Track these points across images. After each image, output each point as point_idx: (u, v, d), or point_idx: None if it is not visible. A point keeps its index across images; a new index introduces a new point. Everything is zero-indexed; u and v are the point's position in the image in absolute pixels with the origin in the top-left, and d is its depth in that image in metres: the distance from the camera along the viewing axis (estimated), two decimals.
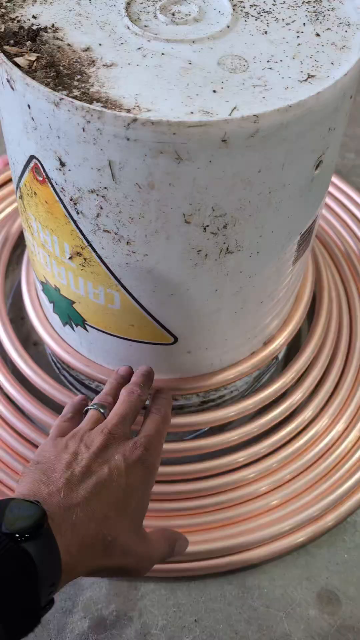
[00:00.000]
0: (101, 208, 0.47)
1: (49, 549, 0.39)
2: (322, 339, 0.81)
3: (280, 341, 0.73)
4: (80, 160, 0.44)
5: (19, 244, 0.91)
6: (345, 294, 0.88)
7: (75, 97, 0.42)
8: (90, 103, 0.41)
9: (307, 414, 0.77)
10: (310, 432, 0.76)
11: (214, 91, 0.43)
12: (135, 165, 0.42)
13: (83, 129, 0.41)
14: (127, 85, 0.43)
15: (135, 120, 0.39)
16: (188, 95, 0.43)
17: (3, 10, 0.49)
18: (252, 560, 0.67)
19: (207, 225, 0.47)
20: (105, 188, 0.45)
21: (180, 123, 0.39)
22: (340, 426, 0.77)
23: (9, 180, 0.99)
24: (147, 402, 0.59)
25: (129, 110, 0.41)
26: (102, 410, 0.54)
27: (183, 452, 0.71)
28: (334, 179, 1.02)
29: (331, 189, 1.01)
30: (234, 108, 0.42)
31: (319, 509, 0.70)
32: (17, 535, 0.38)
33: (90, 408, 0.54)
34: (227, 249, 0.50)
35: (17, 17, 0.48)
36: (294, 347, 0.86)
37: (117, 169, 0.43)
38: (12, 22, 0.48)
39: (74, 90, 0.43)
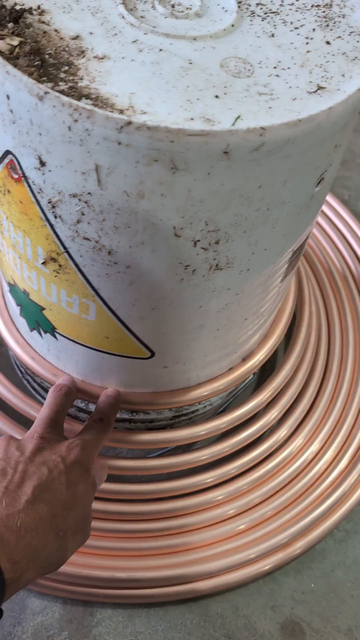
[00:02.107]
0: (83, 214, 0.42)
1: None
2: (301, 356, 0.78)
3: (259, 357, 0.70)
4: (63, 162, 0.39)
5: None
6: (325, 310, 0.85)
7: (62, 92, 0.37)
8: (79, 99, 0.37)
9: (282, 433, 0.74)
10: (284, 453, 0.73)
11: (216, 96, 0.39)
12: (125, 172, 0.38)
13: (69, 128, 0.37)
14: (120, 82, 0.39)
15: (129, 123, 0.35)
16: (188, 98, 0.39)
17: None
18: (216, 589, 0.64)
19: (198, 240, 0.43)
20: (89, 193, 0.40)
21: (180, 130, 0.35)
22: (315, 446, 0.74)
23: None
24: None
25: (122, 111, 0.37)
26: None
27: (149, 469, 0.68)
28: None
29: None
30: (238, 117, 0.38)
31: (288, 535, 0.67)
32: None
33: None
34: (217, 265, 0.46)
35: None
36: (269, 362, 0.83)
37: (105, 174, 0.39)
38: None
39: (61, 84, 0.38)
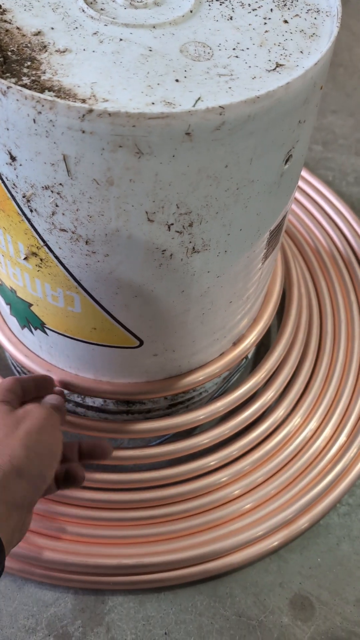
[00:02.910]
0: (57, 205, 0.43)
1: None
2: (293, 336, 0.79)
3: (250, 340, 0.71)
4: (32, 154, 0.40)
5: None
6: (314, 289, 0.86)
7: (24, 86, 0.38)
8: (42, 92, 0.38)
9: (279, 413, 0.75)
10: (283, 432, 0.74)
11: (177, 80, 0.40)
12: (92, 160, 0.39)
13: (34, 121, 0.38)
14: (82, 73, 0.40)
15: (91, 111, 0.36)
16: (148, 84, 0.40)
17: None
18: (225, 568, 0.65)
19: (172, 224, 0.44)
20: (60, 184, 0.41)
21: (140, 115, 0.36)
22: (313, 424, 0.75)
23: None
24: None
25: (84, 101, 0.38)
26: None
27: (151, 457, 0.69)
28: (302, 172, 1.00)
29: (299, 181, 0.98)
30: (199, 99, 0.39)
31: (293, 511, 0.68)
32: None
33: None
34: (194, 248, 0.47)
35: None
36: (263, 345, 0.84)
37: (73, 163, 0.40)
38: None
39: (24, 78, 0.39)
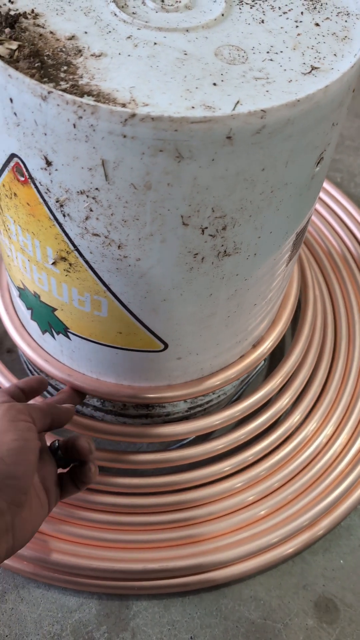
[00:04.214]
0: (91, 210, 0.43)
1: None
2: (309, 340, 0.79)
3: (269, 343, 0.71)
4: (70, 160, 0.40)
5: None
6: (328, 291, 0.86)
7: (64, 90, 0.38)
8: (81, 97, 0.38)
9: (295, 418, 0.75)
10: (299, 437, 0.74)
11: (214, 84, 0.40)
12: (132, 165, 0.39)
13: (74, 125, 0.37)
14: (119, 77, 0.40)
15: (133, 115, 0.36)
16: (187, 88, 0.39)
17: None
18: (250, 572, 0.65)
19: (206, 227, 0.44)
20: (96, 189, 0.41)
21: (183, 119, 0.36)
22: (329, 429, 0.75)
23: None
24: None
25: (124, 105, 0.38)
26: None
27: (168, 462, 0.68)
28: None
29: None
30: (238, 102, 0.39)
31: (310, 517, 0.68)
32: None
33: None
34: (225, 251, 0.47)
35: None
36: (278, 348, 0.84)
37: (111, 168, 0.39)
38: None
39: (62, 83, 0.39)
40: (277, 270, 0.56)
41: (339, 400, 0.77)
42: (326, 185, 0.98)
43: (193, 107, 0.38)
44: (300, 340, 0.77)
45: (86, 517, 0.65)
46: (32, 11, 0.44)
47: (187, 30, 0.44)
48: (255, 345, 0.69)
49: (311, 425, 0.75)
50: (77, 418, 0.67)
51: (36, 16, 0.44)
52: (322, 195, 0.97)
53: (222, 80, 0.41)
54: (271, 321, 0.71)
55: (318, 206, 0.96)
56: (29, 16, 0.43)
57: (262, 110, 0.37)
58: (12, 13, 0.43)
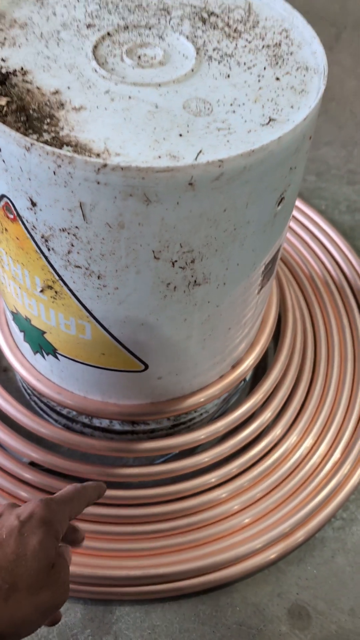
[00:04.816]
0: (72, 245, 0.48)
1: None
2: (288, 359, 0.83)
3: (248, 363, 0.75)
4: (52, 201, 0.45)
5: None
6: (309, 314, 0.91)
7: (45, 142, 0.43)
8: (61, 147, 0.43)
9: (277, 432, 0.79)
10: (280, 450, 0.78)
11: (180, 135, 0.45)
12: (106, 207, 0.44)
13: (54, 173, 0.43)
14: (96, 128, 0.45)
15: (105, 165, 0.41)
16: (155, 139, 0.45)
17: None
18: (226, 579, 0.68)
19: (176, 261, 0.49)
20: (76, 227, 0.46)
21: (148, 169, 0.41)
22: (308, 442, 0.79)
23: None
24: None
25: (98, 155, 0.43)
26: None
27: (155, 475, 0.73)
28: (296, 202, 1.05)
29: (293, 211, 1.04)
30: (200, 152, 0.44)
31: (290, 525, 0.72)
32: None
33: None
34: (195, 281, 0.52)
35: None
36: (261, 367, 0.88)
37: (88, 210, 0.44)
38: None
39: (44, 134, 0.44)
40: (248, 298, 0.61)
41: (318, 415, 0.81)
42: (310, 212, 1.03)
43: (159, 157, 0.43)
44: (279, 359, 0.81)
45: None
46: (22, 68, 0.49)
47: (160, 85, 0.49)
48: (234, 366, 0.74)
49: (292, 439, 0.79)
50: (67, 434, 0.72)
51: (25, 73, 0.49)
52: (305, 221, 1.02)
53: (187, 132, 0.46)
54: (249, 343, 0.75)
55: (301, 232, 1.01)
56: (18, 73, 0.49)
57: (219, 160, 0.42)
58: (3, 71, 0.48)
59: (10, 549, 0.41)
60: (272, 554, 0.71)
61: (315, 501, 0.74)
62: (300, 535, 0.72)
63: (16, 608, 0.40)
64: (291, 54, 0.54)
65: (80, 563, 0.66)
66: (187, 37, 0.54)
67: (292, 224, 1.02)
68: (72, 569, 0.66)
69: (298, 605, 0.68)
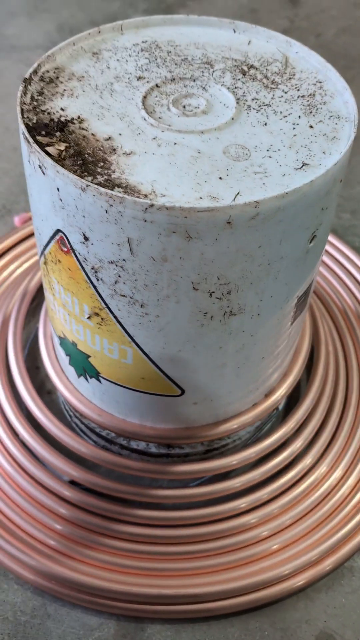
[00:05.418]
0: (119, 276, 0.52)
1: None
2: (320, 390, 0.85)
3: (280, 393, 0.78)
4: (103, 237, 0.50)
5: (36, 297, 0.97)
6: (342, 347, 0.93)
7: (99, 184, 0.48)
8: (112, 189, 0.48)
9: (307, 461, 0.81)
10: (310, 479, 0.80)
11: (220, 178, 0.50)
12: (151, 242, 0.48)
13: (106, 211, 0.47)
14: (144, 171, 0.50)
15: (152, 205, 0.46)
16: (197, 182, 0.49)
17: (35, 103, 0.56)
18: (255, 603, 0.70)
19: (213, 292, 0.53)
20: (123, 260, 0.51)
21: (190, 209, 0.45)
22: (338, 473, 0.81)
23: (26, 237, 1.06)
24: None
25: (146, 196, 0.47)
26: None
27: (188, 498, 0.75)
28: (331, 238, 1.08)
29: (328, 247, 1.07)
30: (238, 194, 0.48)
31: (318, 553, 0.73)
32: None
33: None
34: (231, 311, 0.56)
35: (47, 109, 0.55)
36: (294, 397, 0.91)
37: (135, 244, 0.49)
38: (43, 114, 0.55)
39: (98, 177, 0.49)
40: (282, 328, 0.64)
41: (348, 447, 0.83)
42: (344, 248, 1.06)
43: (201, 198, 0.48)
44: (311, 391, 0.84)
45: (109, 544, 0.72)
46: (79, 117, 0.55)
47: (202, 132, 0.54)
48: (267, 395, 0.77)
49: (322, 469, 0.81)
50: (105, 455, 0.75)
51: (81, 121, 0.54)
52: (339, 257, 1.05)
53: (227, 175, 0.50)
54: (282, 373, 0.78)
55: (335, 267, 1.04)
56: (75, 121, 0.54)
57: (255, 201, 0.46)
58: (62, 119, 0.54)
59: None
60: (300, 580, 0.72)
61: (344, 531, 0.75)
62: (328, 563, 0.73)
63: None
64: (324, 103, 0.58)
65: (113, 580, 0.69)
66: (228, 88, 0.59)
67: (326, 259, 1.05)
68: (106, 584, 0.68)
69: (326, 633, 0.70)
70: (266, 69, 0.62)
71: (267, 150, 0.53)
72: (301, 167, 0.51)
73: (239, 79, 0.60)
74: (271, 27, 0.67)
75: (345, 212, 1.18)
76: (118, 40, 0.64)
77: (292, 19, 1.73)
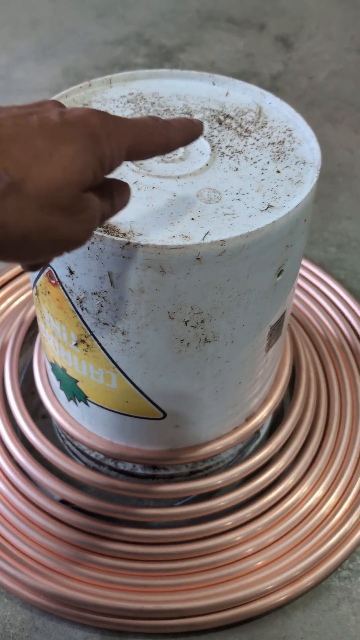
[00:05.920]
0: (102, 306, 0.58)
1: None
2: (301, 414, 0.90)
3: (261, 416, 0.82)
4: (86, 270, 0.55)
5: (32, 327, 1.02)
6: (324, 374, 0.98)
7: None
8: None
9: (289, 481, 0.85)
10: (292, 499, 0.84)
11: (192, 219, 0.55)
12: (129, 276, 0.54)
13: (88, 248, 0.53)
14: (124, 213, 0.55)
15: (128, 243, 0.51)
16: (172, 222, 0.55)
17: None
18: (236, 618, 0.73)
19: (188, 320, 0.58)
20: (105, 291, 0.56)
21: (163, 246, 0.51)
22: (319, 492, 0.84)
23: (23, 271, 1.12)
24: None
25: (124, 235, 0.53)
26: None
27: (174, 517, 0.79)
28: (317, 271, 1.14)
29: (314, 280, 1.12)
30: (207, 233, 0.53)
31: (299, 569, 0.76)
32: None
33: None
34: (206, 339, 0.61)
35: None
36: (278, 422, 0.95)
37: (115, 278, 0.54)
38: None
39: None
40: (257, 356, 0.69)
41: (329, 468, 0.86)
42: (329, 280, 1.12)
43: (174, 237, 0.53)
44: (291, 416, 0.88)
45: (97, 560, 0.76)
46: None
47: (179, 177, 0.60)
48: (248, 419, 0.81)
49: (303, 488, 0.84)
50: (94, 475, 0.79)
51: None
52: (324, 289, 1.10)
53: (198, 216, 0.56)
54: (263, 398, 0.83)
55: (320, 298, 1.09)
56: None
57: (222, 240, 0.52)
58: None
59: (33, 144, 0.32)
60: (281, 596, 0.75)
61: (323, 548, 0.79)
62: (308, 580, 0.77)
63: (13, 211, 0.32)
64: (292, 150, 0.64)
65: (100, 594, 0.73)
66: (205, 136, 0.65)
67: (311, 290, 1.10)
68: (92, 599, 0.72)
69: None
70: (241, 118, 0.68)
71: (237, 194, 0.58)
72: (266, 208, 0.57)
73: (215, 128, 0.66)
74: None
75: (332, 246, 1.23)
76: (107, 93, 0.71)
77: (286, 62, 1.82)
